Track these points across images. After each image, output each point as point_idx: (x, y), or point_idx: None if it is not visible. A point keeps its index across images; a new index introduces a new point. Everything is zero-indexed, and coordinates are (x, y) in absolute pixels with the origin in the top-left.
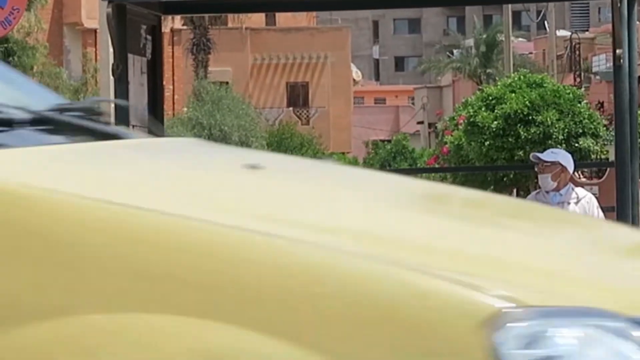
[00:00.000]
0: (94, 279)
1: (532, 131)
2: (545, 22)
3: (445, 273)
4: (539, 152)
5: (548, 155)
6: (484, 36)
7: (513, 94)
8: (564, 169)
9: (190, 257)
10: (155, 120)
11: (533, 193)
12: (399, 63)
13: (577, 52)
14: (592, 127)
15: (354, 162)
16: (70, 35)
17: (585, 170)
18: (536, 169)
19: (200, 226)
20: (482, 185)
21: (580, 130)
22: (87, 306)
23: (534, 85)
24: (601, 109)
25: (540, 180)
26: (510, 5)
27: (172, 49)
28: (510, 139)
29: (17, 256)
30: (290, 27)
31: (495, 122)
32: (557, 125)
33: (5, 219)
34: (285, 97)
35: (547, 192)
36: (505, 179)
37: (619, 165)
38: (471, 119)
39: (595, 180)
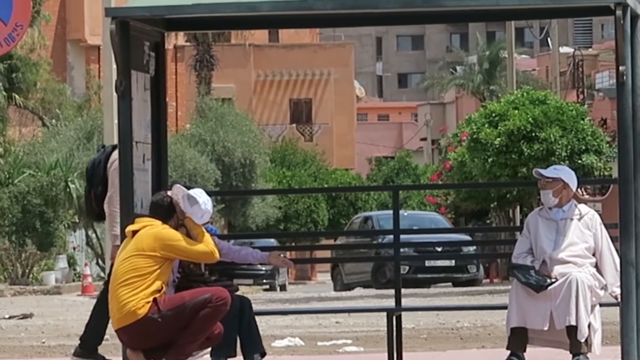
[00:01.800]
0: None
1: (536, 148)
2: (549, 39)
3: None
4: (541, 168)
5: (550, 172)
6: (487, 53)
7: (516, 111)
8: (566, 185)
9: None
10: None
11: (536, 210)
12: (402, 79)
13: (580, 69)
14: (595, 143)
15: (357, 179)
16: (74, 52)
17: (589, 186)
18: (539, 186)
19: None
20: (485, 201)
21: (584, 147)
22: None
23: (537, 102)
24: (604, 126)
25: (542, 196)
26: (513, 22)
27: (175, 65)
28: (513, 156)
29: None
30: (294, 44)
31: (499, 139)
32: (560, 142)
33: None
34: (289, 113)
35: (550, 208)
36: (508, 196)
37: (622, 181)
38: (474, 136)
39: (598, 197)
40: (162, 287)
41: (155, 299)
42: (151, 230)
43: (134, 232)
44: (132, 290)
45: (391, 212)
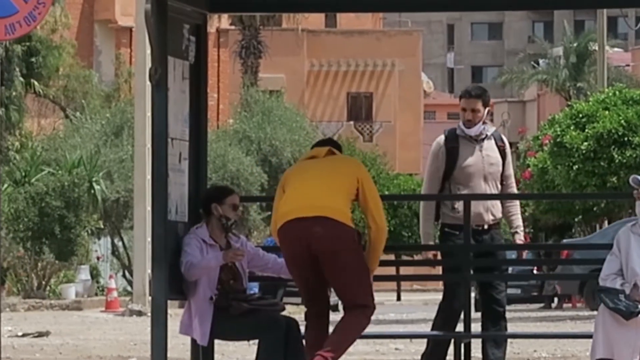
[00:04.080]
0: None
1: (628, 154)
2: None
3: None
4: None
5: None
6: (575, 45)
7: (607, 112)
8: None
9: None
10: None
11: (628, 225)
12: (477, 73)
13: None
14: None
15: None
16: (102, 34)
17: None
18: (635, 195)
19: None
20: (569, 215)
21: None
22: None
23: (631, 102)
24: None
25: (638, 209)
26: (605, 10)
27: (218, 51)
28: (602, 163)
29: None
30: (353, 30)
31: (586, 143)
32: None
33: None
34: (346, 109)
35: None
36: (595, 209)
37: None
38: (558, 139)
39: None
40: None
41: (358, 231)
42: (350, 159)
43: (331, 152)
44: (343, 201)
45: None
